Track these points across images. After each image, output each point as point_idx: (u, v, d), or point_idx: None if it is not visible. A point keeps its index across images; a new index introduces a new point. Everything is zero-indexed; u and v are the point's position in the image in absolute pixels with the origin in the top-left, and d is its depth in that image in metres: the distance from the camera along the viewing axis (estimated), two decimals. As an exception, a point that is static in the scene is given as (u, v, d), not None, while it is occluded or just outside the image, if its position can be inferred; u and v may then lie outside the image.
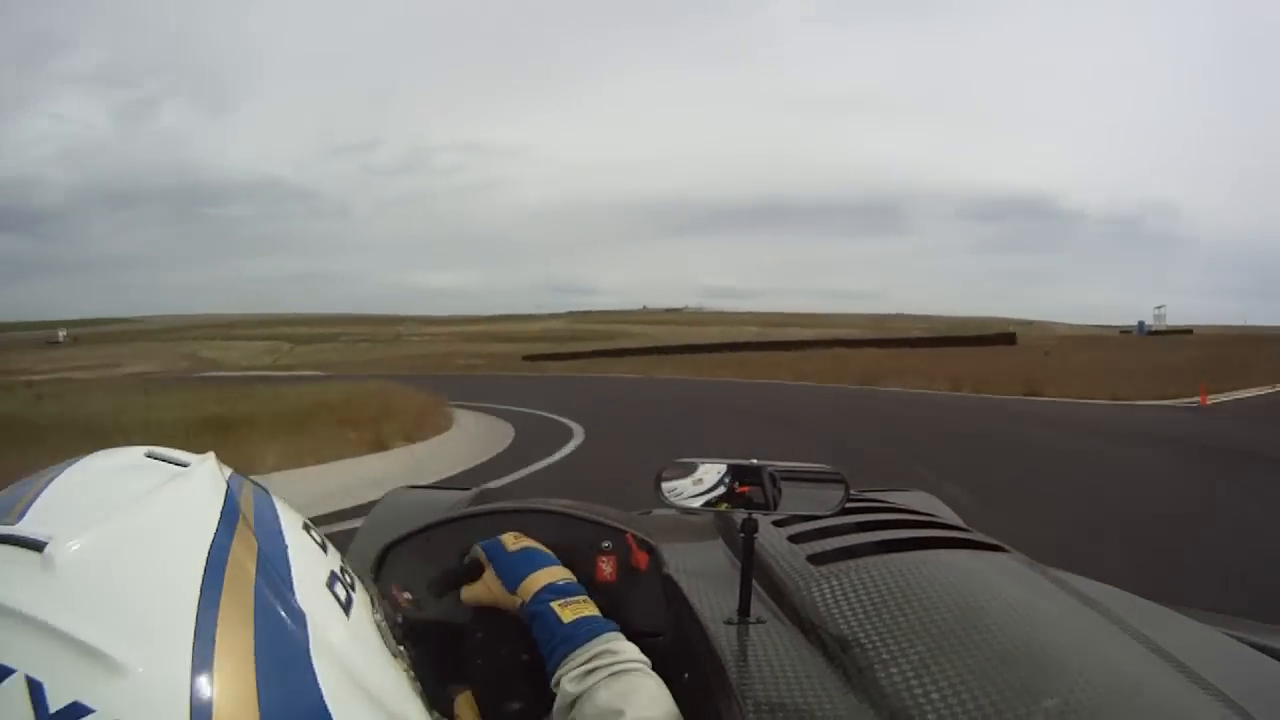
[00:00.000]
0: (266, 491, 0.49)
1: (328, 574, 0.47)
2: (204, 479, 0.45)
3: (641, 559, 0.94)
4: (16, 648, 0.35)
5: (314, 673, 0.41)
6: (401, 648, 0.52)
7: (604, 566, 0.93)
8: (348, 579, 0.49)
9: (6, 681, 0.34)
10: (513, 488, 5.80)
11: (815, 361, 26.22)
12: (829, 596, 0.76)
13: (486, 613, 0.79)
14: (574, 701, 0.64)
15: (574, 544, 0.95)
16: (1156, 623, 0.70)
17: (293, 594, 0.43)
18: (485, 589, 0.76)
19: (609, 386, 20.98)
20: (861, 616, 0.72)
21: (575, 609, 0.70)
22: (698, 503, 0.83)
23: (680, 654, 0.78)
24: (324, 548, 0.49)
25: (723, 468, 0.82)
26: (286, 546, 0.45)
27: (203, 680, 0.37)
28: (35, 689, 0.34)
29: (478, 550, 0.80)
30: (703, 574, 0.90)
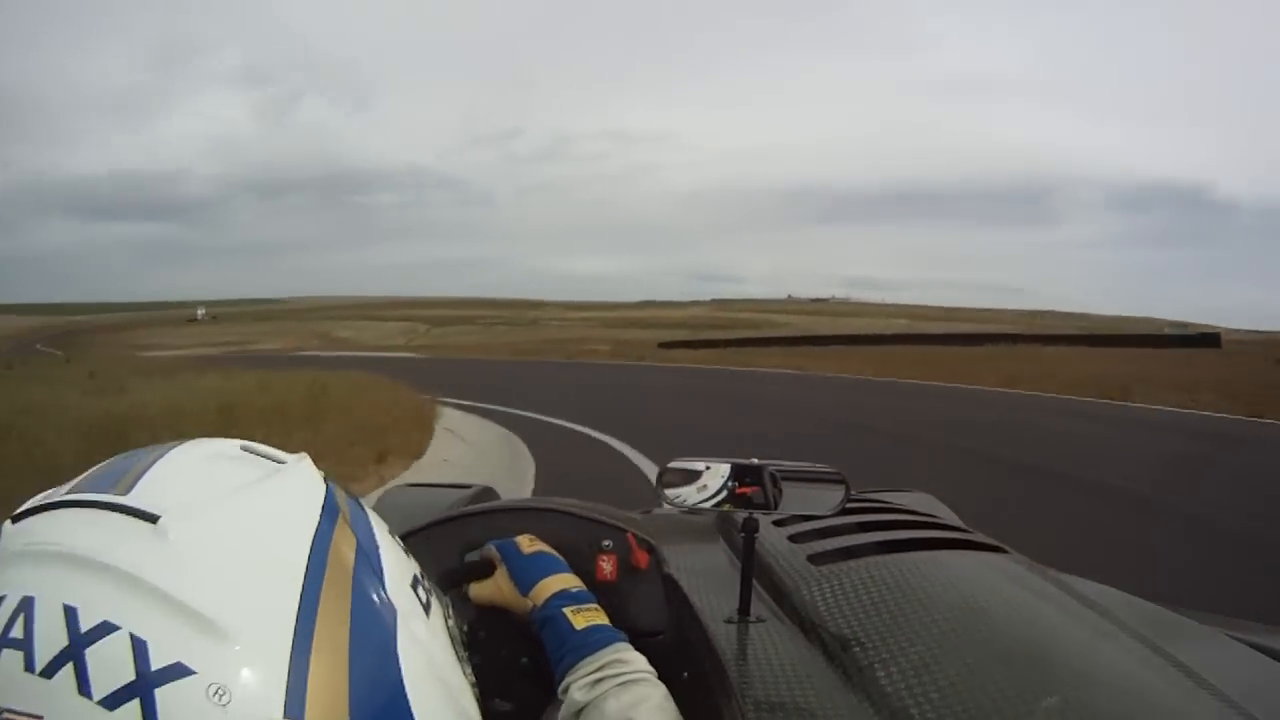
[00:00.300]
0: (355, 498, 0.53)
1: (411, 576, 0.50)
2: (307, 474, 0.49)
3: (642, 558, 0.94)
4: (123, 606, 0.37)
5: (398, 661, 0.44)
6: (467, 654, 0.54)
7: (604, 565, 0.93)
8: (426, 584, 0.52)
9: (110, 637, 0.36)
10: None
11: (1011, 362, 19.43)
12: (829, 596, 0.76)
13: (490, 613, 0.79)
14: (581, 710, 0.64)
15: (574, 542, 0.95)
16: (1157, 624, 0.70)
17: (384, 587, 0.46)
18: (496, 589, 0.76)
19: (757, 385, 15.44)
20: (861, 616, 0.72)
21: (587, 616, 0.71)
22: (698, 502, 0.84)
23: (680, 653, 0.78)
24: (406, 553, 0.52)
25: (724, 467, 0.82)
26: (378, 546, 0.48)
27: (301, 654, 0.39)
28: (139, 647, 0.36)
29: (490, 549, 0.80)
30: (703, 573, 0.90)
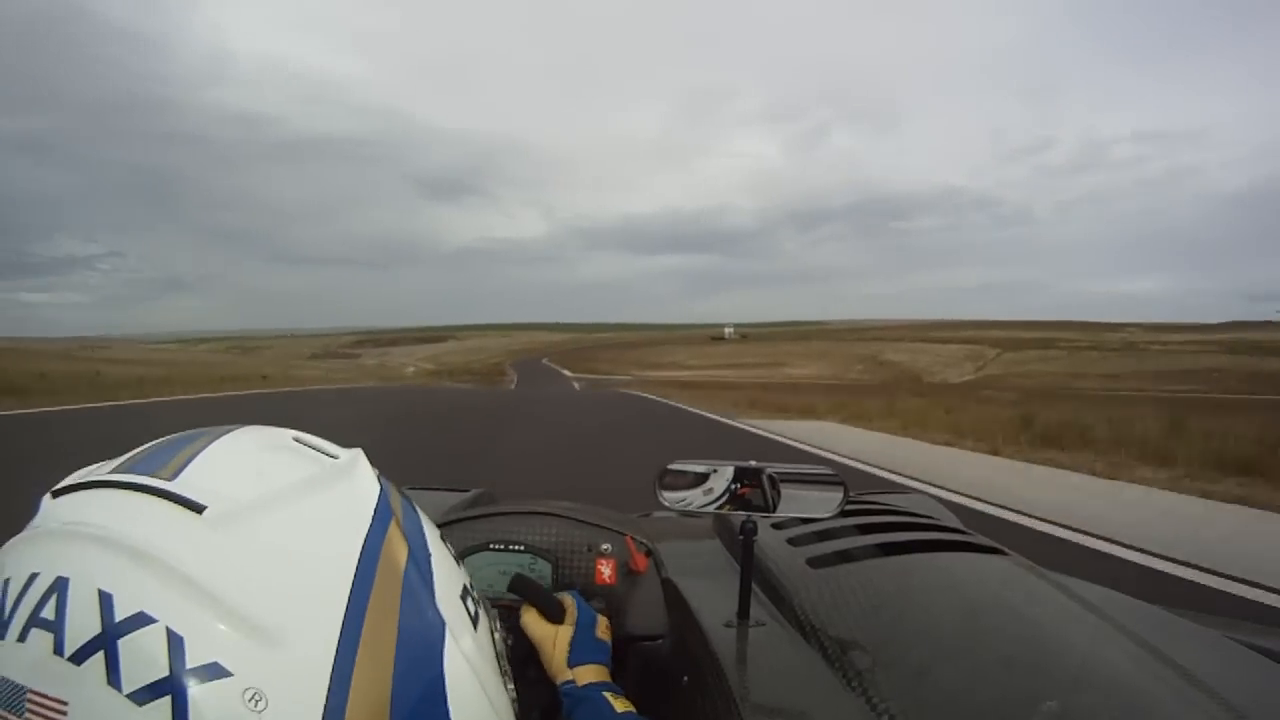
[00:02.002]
0: (409, 499, 0.50)
1: (461, 587, 0.48)
2: (362, 475, 0.46)
3: (641, 561, 0.93)
4: (161, 598, 0.35)
5: (444, 676, 0.42)
6: (509, 669, 0.53)
7: (603, 569, 0.93)
8: (475, 595, 0.50)
9: (147, 629, 0.34)
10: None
11: None
12: (828, 599, 0.76)
13: (524, 637, 0.79)
14: None
15: (573, 546, 0.94)
16: (1156, 626, 0.70)
17: (434, 598, 0.44)
18: (549, 637, 0.76)
19: None
20: (861, 620, 0.72)
21: (623, 703, 0.71)
22: (697, 505, 0.83)
23: (680, 657, 0.77)
24: (457, 561, 0.50)
25: (728, 470, 0.82)
26: (430, 554, 0.46)
27: (344, 664, 0.37)
28: (175, 642, 0.34)
29: (572, 603, 0.79)
30: (702, 576, 0.90)
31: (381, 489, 0.46)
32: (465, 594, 0.48)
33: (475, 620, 0.48)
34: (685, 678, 0.73)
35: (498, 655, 0.50)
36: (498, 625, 0.53)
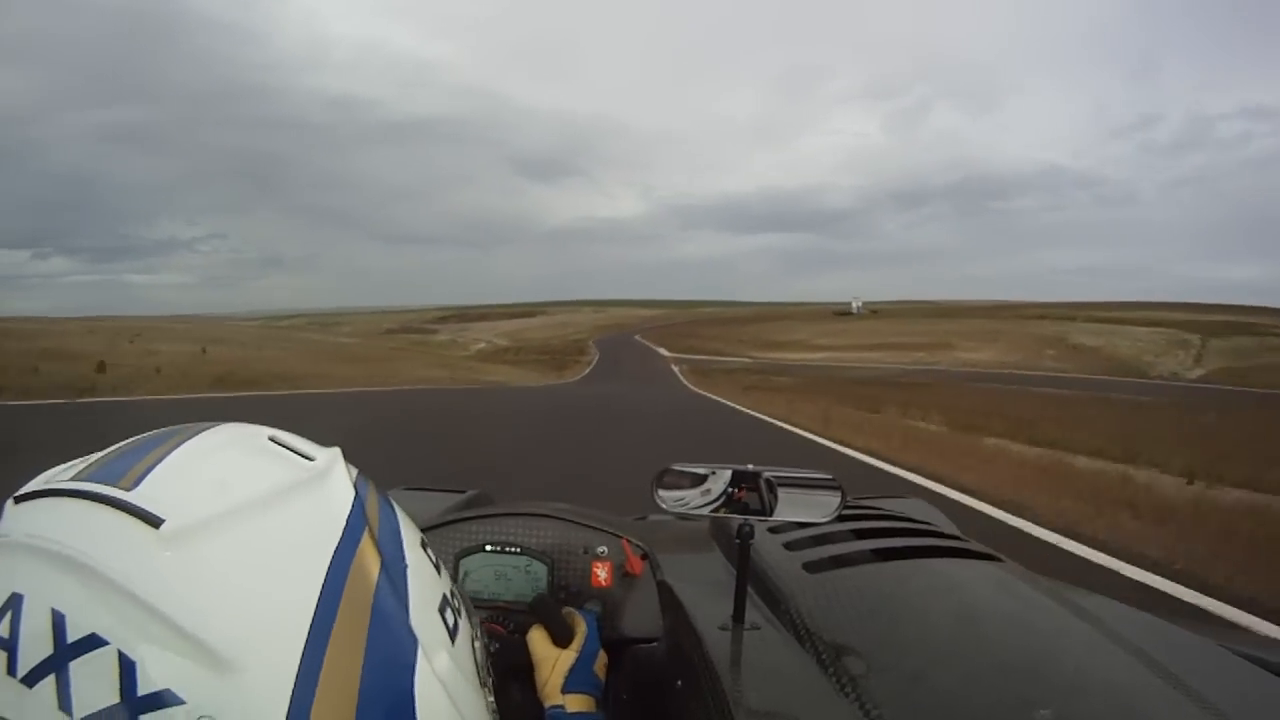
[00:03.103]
0: (389, 502, 0.48)
1: (440, 598, 0.45)
2: (336, 482, 0.43)
3: (637, 564, 0.93)
4: (115, 621, 0.34)
5: (414, 699, 0.40)
6: (490, 677, 0.51)
7: (599, 572, 0.93)
8: (456, 604, 0.47)
9: (98, 652, 0.33)
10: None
11: None
12: (824, 604, 0.76)
13: (517, 647, 0.79)
14: None
15: (569, 548, 0.94)
16: (1151, 635, 0.70)
17: (407, 616, 0.41)
18: (549, 659, 0.75)
19: None
20: (856, 625, 0.72)
21: None
22: (694, 507, 0.83)
23: (675, 660, 0.77)
24: (438, 569, 0.48)
25: (725, 473, 0.82)
26: (406, 566, 0.44)
27: (305, 691, 0.35)
28: (127, 667, 0.33)
29: (584, 627, 0.79)
30: (698, 580, 0.90)
31: (357, 495, 0.44)
32: (445, 605, 0.45)
33: (454, 633, 0.45)
34: (680, 681, 0.73)
35: (477, 666, 0.48)
36: (479, 633, 0.51)
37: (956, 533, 1.12)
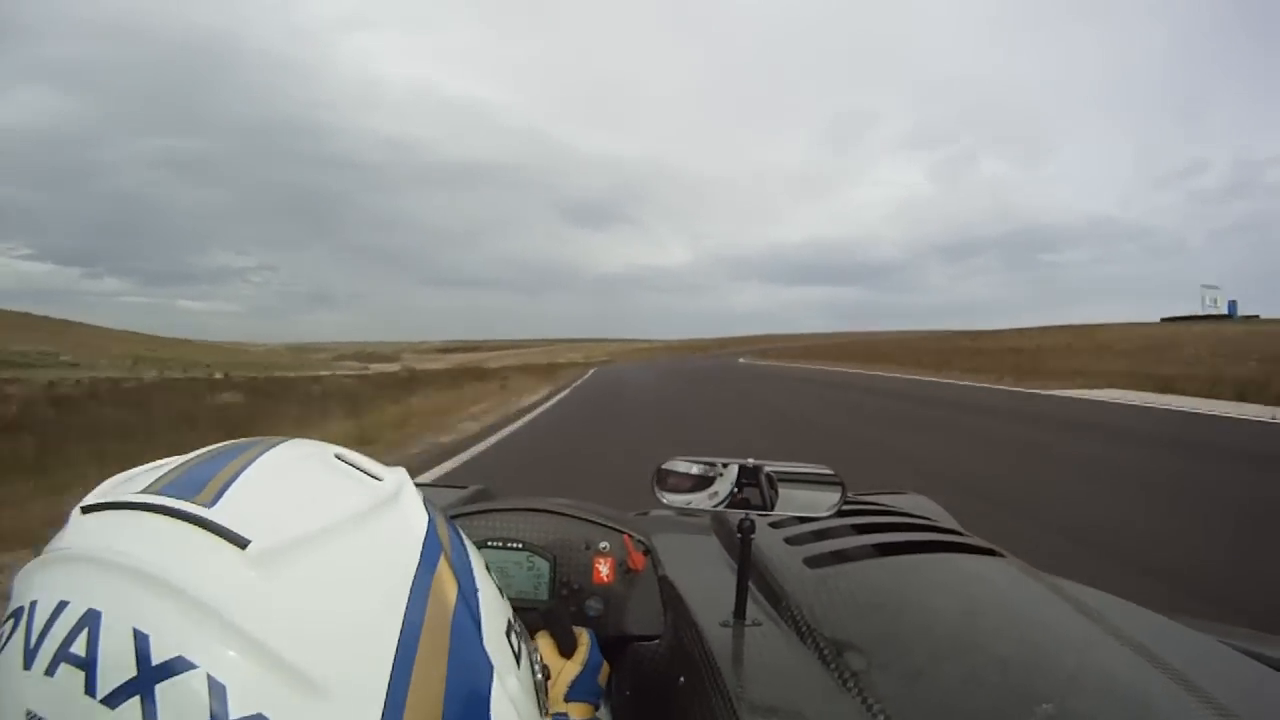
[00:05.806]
0: (455, 527, 0.47)
1: (505, 621, 0.45)
2: (409, 504, 0.43)
3: (638, 560, 0.93)
4: (203, 643, 0.33)
5: None
6: (545, 698, 0.51)
7: (600, 567, 0.93)
8: (519, 626, 0.48)
9: (186, 675, 0.32)
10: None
11: None
12: (825, 599, 0.76)
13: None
14: None
15: (571, 544, 0.94)
16: (1152, 630, 0.70)
17: (481, 639, 0.41)
18: (555, 669, 0.75)
19: None
20: (857, 620, 0.72)
21: None
22: (695, 503, 0.83)
23: (676, 656, 0.77)
24: (501, 594, 0.48)
25: (731, 469, 0.81)
26: (478, 588, 0.44)
27: (392, 716, 0.35)
28: (216, 690, 0.32)
29: (588, 641, 0.79)
30: (699, 575, 0.90)
31: (430, 518, 0.43)
32: (509, 628, 0.45)
33: (519, 656, 0.45)
34: (681, 677, 0.73)
35: (537, 690, 0.48)
36: (537, 657, 0.51)
37: (957, 528, 1.12)
